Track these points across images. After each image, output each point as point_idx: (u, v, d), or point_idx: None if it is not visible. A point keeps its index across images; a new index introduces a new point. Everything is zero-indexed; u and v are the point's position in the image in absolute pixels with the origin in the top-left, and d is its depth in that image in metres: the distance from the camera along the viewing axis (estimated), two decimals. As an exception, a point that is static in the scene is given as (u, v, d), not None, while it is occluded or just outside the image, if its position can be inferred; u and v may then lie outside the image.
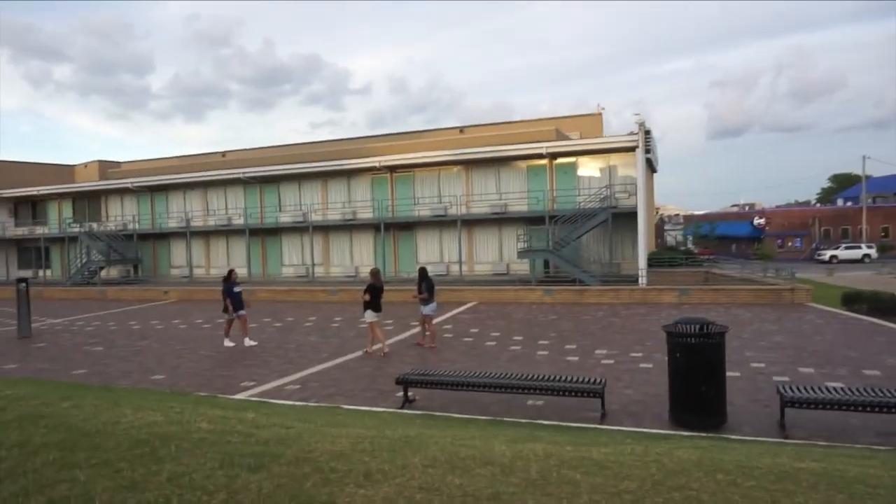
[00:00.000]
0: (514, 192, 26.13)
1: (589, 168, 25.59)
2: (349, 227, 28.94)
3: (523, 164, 26.45)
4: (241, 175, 30.57)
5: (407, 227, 28.10)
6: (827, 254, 49.73)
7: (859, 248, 50.50)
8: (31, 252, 38.06)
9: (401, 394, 8.18)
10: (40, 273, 37.32)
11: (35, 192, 37.50)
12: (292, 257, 30.61)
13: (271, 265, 30.99)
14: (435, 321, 12.72)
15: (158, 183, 33.49)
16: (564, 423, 6.77)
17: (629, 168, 24.44)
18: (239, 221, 31.17)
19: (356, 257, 29.29)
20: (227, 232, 31.82)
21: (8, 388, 5.35)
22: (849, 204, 66.86)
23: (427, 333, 12.21)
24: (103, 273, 32.43)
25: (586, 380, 7.31)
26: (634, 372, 9.37)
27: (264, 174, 30.58)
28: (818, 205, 78.21)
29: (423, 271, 12.49)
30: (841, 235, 57.83)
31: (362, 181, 29.23)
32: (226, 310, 12.64)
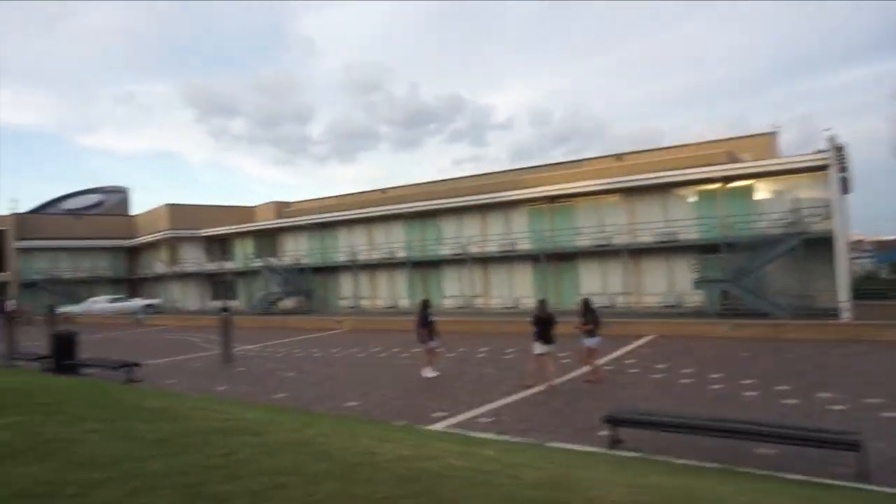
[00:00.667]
0: (682, 220, 24.52)
1: (766, 191, 23.38)
2: (508, 258, 28.87)
3: (691, 190, 24.81)
4: (402, 210, 31.87)
5: (567, 257, 27.43)
6: None
7: None
8: (221, 285, 42.39)
9: (603, 433, 7.65)
10: (227, 304, 41.35)
11: (223, 232, 41.91)
12: (452, 288, 31.09)
13: (432, 296, 31.61)
14: (611, 355, 12.02)
15: (327, 220, 35.90)
16: (814, 479, 5.83)
17: (816, 189, 21.94)
18: (401, 255, 32.38)
19: (516, 288, 29.07)
20: (389, 265, 33.15)
21: (248, 412, 5.58)
22: None
23: (596, 365, 11.67)
24: (280, 304, 35.21)
25: (837, 429, 6.29)
26: (879, 421, 8.01)
27: (424, 209, 31.61)
28: None
29: (586, 302, 11.96)
30: None
31: (520, 212, 29.14)
32: (423, 339, 12.81)
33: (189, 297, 43.41)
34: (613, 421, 7.33)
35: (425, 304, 13.23)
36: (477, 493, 3.03)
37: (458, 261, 30.24)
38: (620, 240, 25.58)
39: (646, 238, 25.16)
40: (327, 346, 19.09)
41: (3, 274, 45.89)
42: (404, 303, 32.28)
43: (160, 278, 45.53)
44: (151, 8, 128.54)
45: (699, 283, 21.97)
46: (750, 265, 21.01)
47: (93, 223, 50.90)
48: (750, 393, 9.99)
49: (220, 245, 43.44)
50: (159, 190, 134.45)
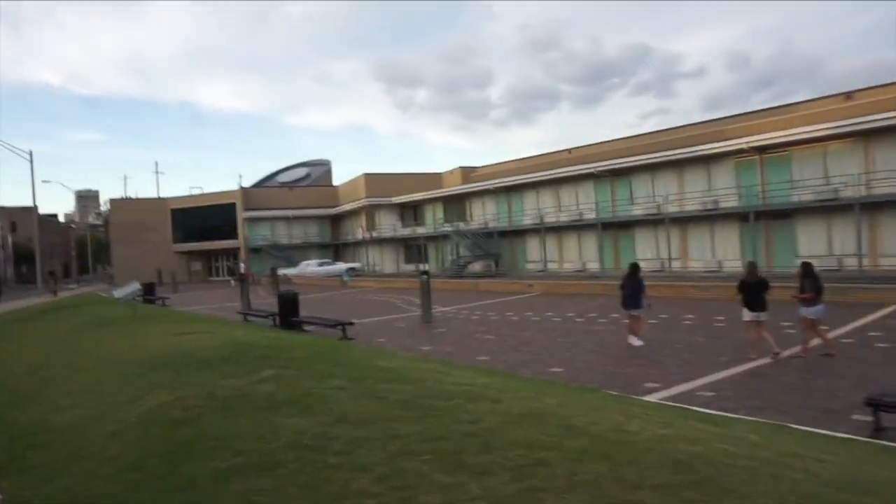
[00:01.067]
0: (938, 166, 20.45)
1: None
2: (709, 217, 26.53)
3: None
4: (592, 170, 30.72)
5: (782, 215, 24.44)
6: None
7: None
8: (414, 249, 44.75)
9: (858, 416, 6.60)
10: (420, 266, 43.63)
11: (415, 199, 43.97)
12: (646, 251, 29.48)
13: (624, 260, 30.35)
14: (848, 326, 10.36)
15: (513, 183, 35.89)
16: None
17: None
18: (590, 216, 31.36)
19: (718, 250, 26.71)
20: (578, 227, 32.32)
21: (478, 377, 5.57)
22: None
23: (813, 342, 10.07)
24: (469, 267, 36.22)
25: None
26: None
27: (615, 167, 30.16)
28: None
29: (807, 266, 10.33)
30: None
31: (724, 166, 26.52)
32: (629, 305, 12.19)
33: (385, 261, 46.54)
34: (877, 404, 6.24)
35: (636, 269, 12.50)
36: (769, 488, 2.59)
37: (653, 221, 28.50)
38: (851, 192, 22.12)
39: (887, 189, 21.45)
40: (521, 309, 19.14)
41: (234, 241, 53.03)
42: (593, 266, 31.38)
43: (359, 243, 49.35)
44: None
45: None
46: None
47: (302, 194, 56.51)
48: None
49: (412, 211, 45.75)
50: (353, 160, 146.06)
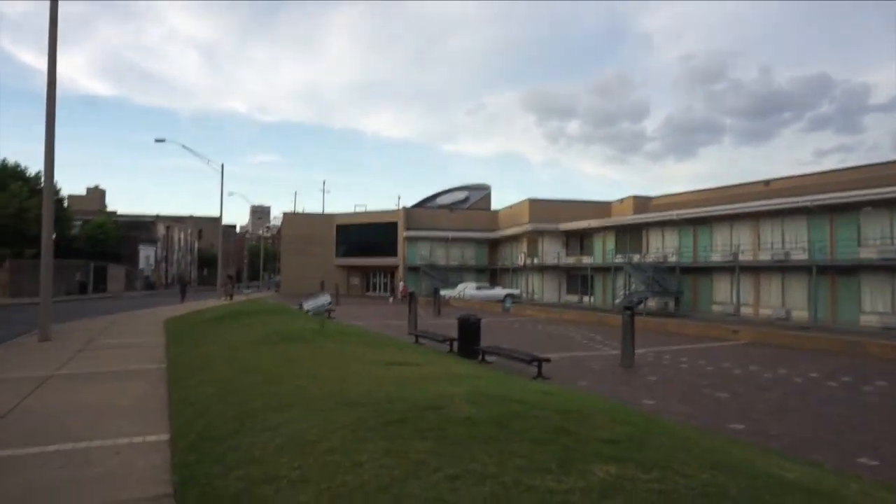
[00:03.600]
0: None
1: None
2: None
3: None
4: (807, 203, 26.29)
5: None
6: None
7: None
8: (577, 279, 41.96)
9: None
10: (584, 299, 40.70)
11: (582, 226, 41.30)
12: (877, 302, 24.43)
13: (844, 310, 25.46)
14: None
15: (701, 215, 32.07)
16: None
17: None
18: (800, 256, 26.82)
19: (985, 310, 21.24)
20: (783, 268, 27.84)
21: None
22: None
23: None
24: (643, 304, 32.75)
25: None
26: None
27: (835, 202, 25.53)
28: None
29: None
30: None
31: None
32: None
33: (545, 290, 44.14)
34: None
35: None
36: None
37: (888, 267, 23.52)
38: None
39: None
40: (736, 360, 15.90)
41: (393, 258, 53.61)
42: (800, 314, 26.72)
43: (518, 270, 47.45)
44: (498, 23, 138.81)
45: None
46: None
47: (461, 217, 56.03)
48: None
49: (578, 239, 43.08)
50: (505, 188, 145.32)
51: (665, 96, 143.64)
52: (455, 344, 16.19)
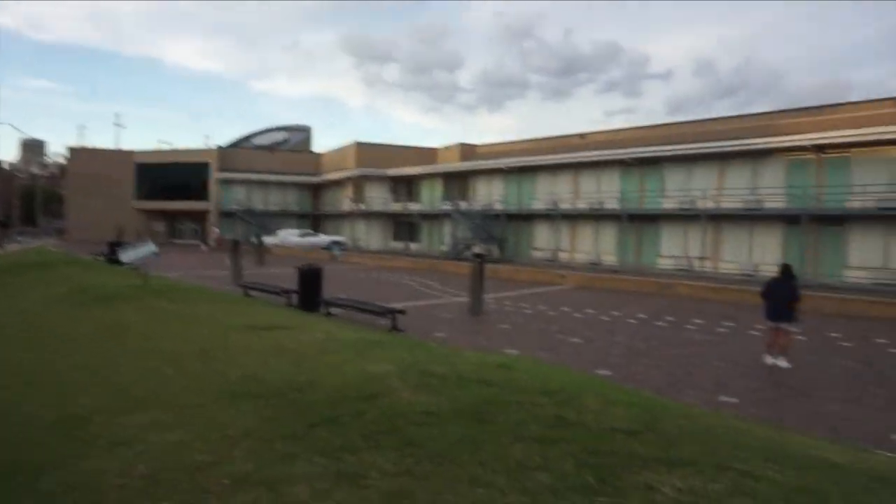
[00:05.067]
0: None
1: None
2: (750, 217, 24.52)
3: None
4: (623, 157, 28.37)
5: (835, 220, 22.56)
6: None
7: None
8: (405, 226, 41.77)
9: None
10: (411, 245, 40.72)
11: (411, 173, 40.92)
12: (672, 248, 27.37)
13: (646, 255, 28.23)
14: None
15: (527, 164, 33.28)
16: None
17: None
18: (613, 206, 29.07)
19: (756, 253, 24.75)
20: (598, 216, 30.01)
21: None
22: None
23: None
24: (469, 250, 33.57)
25: None
26: None
27: (646, 156, 27.87)
28: None
29: None
30: None
31: (774, 164, 24.47)
32: (781, 316, 9.71)
33: (372, 237, 43.41)
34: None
35: (790, 270, 10.04)
36: None
37: (684, 216, 26.36)
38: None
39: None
40: (573, 304, 16.62)
41: (204, 203, 48.91)
42: (610, 259, 29.16)
43: (344, 216, 46.03)
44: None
45: None
46: None
47: (282, 159, 52.65)
48: None
49: (406, 186, 42.67)
50: (322, 131, 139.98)
51: (479, 50, 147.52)
52: (293, 297, 14.82)
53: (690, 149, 26.38)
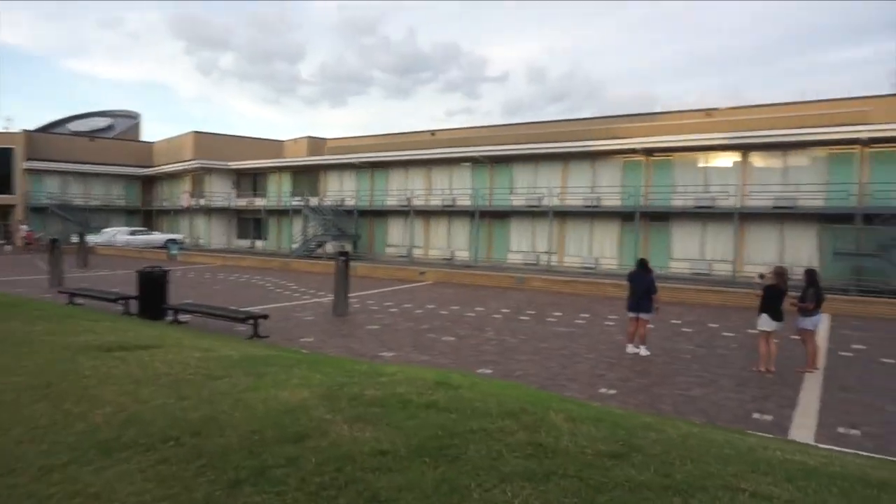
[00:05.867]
0: (807, 184, 22.02)
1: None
2: (591, 214, 26.33)
3: (822, 151, 22.28)
4: (474, 154, 29.02)
5: (661, 217, 24.94)
6: None
7: None
8: (250, 222, 39.42)
9: None
10: (257, 243, 38.54)
11: (256, 166, 38.71)
12: (521, 243, 28.59)
13: (497, 250, 29.20)
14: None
15: (380, 160, 32.91)
16: None
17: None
18: (465, 202, 29.68)
19: (596, 247, 26.63)
20: (450, 213, 30.48)
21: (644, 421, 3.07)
22: None
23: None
24: (322, 248, 32.50)
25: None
26: None
27: (496, 154, 28.79)
28: None
29: (811, 274, 9.51)
30: None
31: (611, 165, 26.44)
32: (638, 308, 10.28)
33: (213, 234, 40.44)
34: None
35: (646, 264, 10.69)
36: None
37: (532, 213, 27.65)
38: (733, 202, 23.10)
39: (761, 202, 22.72)
40: (438, 301, 16.58)
41: (8, 196, 42.39)
42: (463, 254, 29.79)
43: (180, 212, 42.40)
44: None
45: (838, 255, 19.66)
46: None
47: (107, 147, 47.25)
48: None
49: (251, 179, 40.26)
50: (151, 121, 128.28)
51: (321, 42, 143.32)
52: (131, 304, 13.18)
53: (538, 148, 27.70)
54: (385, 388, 3.38)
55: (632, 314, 10.40)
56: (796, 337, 9.88)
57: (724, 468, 2.39)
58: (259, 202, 38.45)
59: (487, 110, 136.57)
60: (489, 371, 8.82)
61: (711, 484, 2.18)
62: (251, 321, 10.82)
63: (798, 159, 22.70)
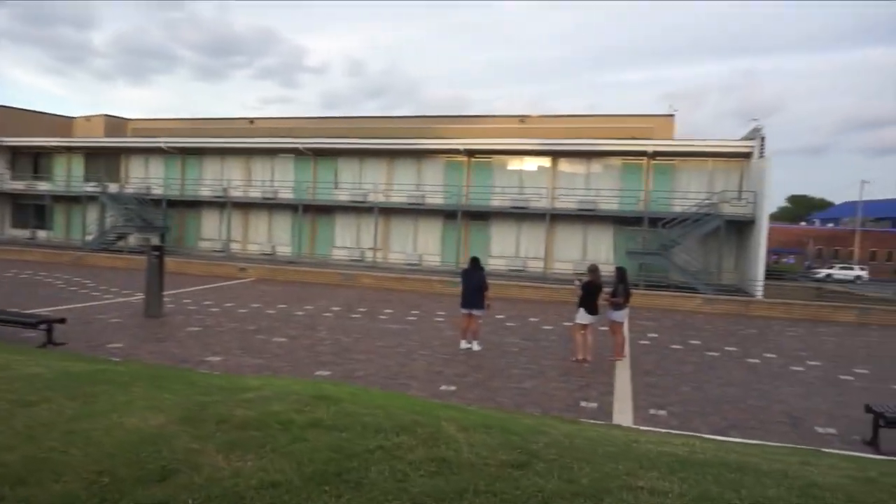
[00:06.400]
0: (606, 189, 24.62)
1: (688, 170, 24.38)
2: (416, 211, 26.85)
3: (617, 160, 25.04)
4: (298, 145, 28.02)
5: (481, 216, 26.23)
6: (822, 272, 49.72)
7: (852, 268, 50.99)
8: (30, 209, 34.07)
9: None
10: (39, 234, 33.46)
11: (40, 144, 33.63)
12: (346, 239, 28.26)
13: (321, 246, 28.54)
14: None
15: (193, 145, 30.38)
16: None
17: (732, 174, 23.56)
18: (287, 195, 28.55)
19: (420, 244, 27.23)
20: (271, 206, 29.14)
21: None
22: (829, 225, 69.12)
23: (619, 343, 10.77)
24: (123, 241, 29.20)
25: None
26: None
27: (321, 146, 28.09)
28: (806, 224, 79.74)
29: (622, 271, 10.88)
30: (832, 256, 58.95)
31: (434, 164, 27.16)
32: (472, 304, 10.58)
33: (-21, 222, 34.28)
34: (880, 415, 6.31)
35: (478, 263, 11.06)
36: None
37: (356, 208, 27.47)
38: (544, 203, 25.03)
39: (567, 204, 24.91)
40: (262, 299, 15.74)
41: None
42: (285, 250, 28.68)
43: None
44: None
45: (633, 255, 22.22)
46: (676, 240, 21.76)
47: None
48: (846, 377, 9.72)
49: (31, 159, 34.74)
50: None
51: (117, 9, 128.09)
52: None
53: (364, 143, 27.56)
54: (256, 407, 3.01)
55: (464, 310, 10.74)
56: (605, 328, 10.93)
57: (617, 467, 2.51)
58: (42, 186, 33.37)
59: (306, 101, 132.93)
60: (328, 373, 8.55)
61: (614, 485, 2.27)
62: (43, 326, 9.32)
63: (597, 167, 25.26)
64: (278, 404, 3.09)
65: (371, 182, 27.66)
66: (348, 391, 3.86)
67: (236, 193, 29.21)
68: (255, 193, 29.30)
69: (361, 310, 14.63)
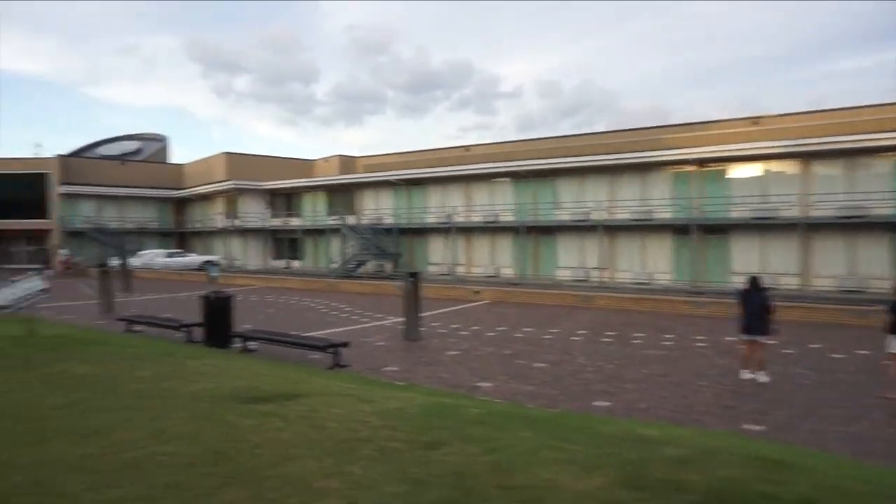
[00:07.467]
0: (875, 192, 20.98)
1: None
2: (642, 227, 25.47)
3: (891, 157, 21.25)
4: (515, 168, 28.39)
5: (718, 229, 23.98)
6: None
7: None
8: (285, 242, 39.07)
9: None
10: (294, 263, 38.13)
11: (290, 185, 38.42)
12: (570, 259, 27.76)
13: (544, 266, 28.40)
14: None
15: (417, 176, 32.39)
16: None
17: None
18: (508, 218, 28.98)
19: (649, 262, 25.72)
20: (493, 229, 29.79)
21: None
22: None
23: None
24: (361, 268, 31.93)
25: None
26: None
27: (538, 168, 28.10)
28: None
29: None
30: None
31: (661, 176, 25.60)
32: (755, 329, 9.49)
33: (249, 255, 40.14)
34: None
35: (758, 283, 9.87)
36: None
37: (580, 228, 26.86)
38: (790, 213, 22.15)
39: (822, 212, 21.74)
40: (505, 322, 15.82)
41: (44, 221, 42.55)
42: (508, 272, 29.02)
43: (215, 233, 42.22)
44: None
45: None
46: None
47: (137, 170, 47.42)
48: None
49: (284, 199, 39.97)
50: (173, 142, 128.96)
51: (334, 63, 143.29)
52: (194, 330, 12.68)
53: (583, 161, 26.98)
54: (695, 468, 2.60)
55: (746, 336, 9.58)
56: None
57: None
58: (294, 222, 38.10)
59: (501, 126, 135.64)
60: (607, 404, 8.07)
61: None
62: (331, 350, 10.18)
63: (862, 166, 21.70)
64: (727, 469, 2.64)
65: (593, 200, 26.91)
66: (780, 449, 3.29)
67: (458, 219, 30.41)
68: (476, 217, 30.24)
69: (610, 333, 13.94)
